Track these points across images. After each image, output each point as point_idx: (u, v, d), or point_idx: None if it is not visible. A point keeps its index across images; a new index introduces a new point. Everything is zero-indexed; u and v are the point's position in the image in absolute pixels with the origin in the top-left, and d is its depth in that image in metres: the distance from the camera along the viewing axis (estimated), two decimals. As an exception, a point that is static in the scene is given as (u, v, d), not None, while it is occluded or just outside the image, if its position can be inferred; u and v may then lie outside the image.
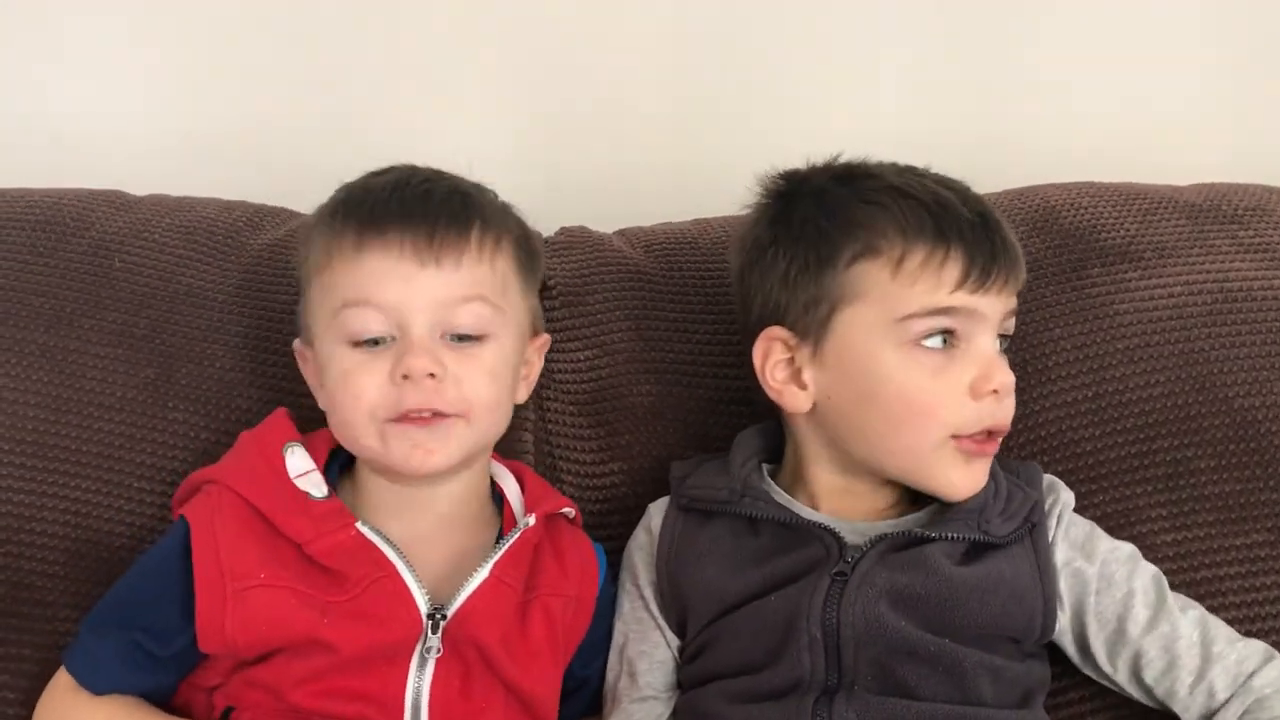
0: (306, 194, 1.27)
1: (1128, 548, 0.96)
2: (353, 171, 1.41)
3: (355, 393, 0.92)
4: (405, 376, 0.91)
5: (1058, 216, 1.18)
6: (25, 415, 1.05)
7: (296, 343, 1.00)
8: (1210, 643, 0.91)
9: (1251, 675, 0.89)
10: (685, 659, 0.98)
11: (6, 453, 1.03)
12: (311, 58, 1.42)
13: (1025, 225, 1.16)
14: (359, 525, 0.92)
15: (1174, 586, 0.97)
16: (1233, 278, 1.12)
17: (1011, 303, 0.96)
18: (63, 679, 0.92)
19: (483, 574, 0.94)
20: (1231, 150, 1.40)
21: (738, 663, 0.92)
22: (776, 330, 0.98)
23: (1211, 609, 0.98)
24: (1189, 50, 1.45)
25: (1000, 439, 0.96)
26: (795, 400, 0.97)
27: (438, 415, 0.92)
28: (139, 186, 1.24)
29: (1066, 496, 0.98)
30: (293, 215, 1.24)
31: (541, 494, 1.02)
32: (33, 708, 0.94)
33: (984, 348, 0.94)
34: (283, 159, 1.41)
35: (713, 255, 1.19)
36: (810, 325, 0.96)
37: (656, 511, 1.03)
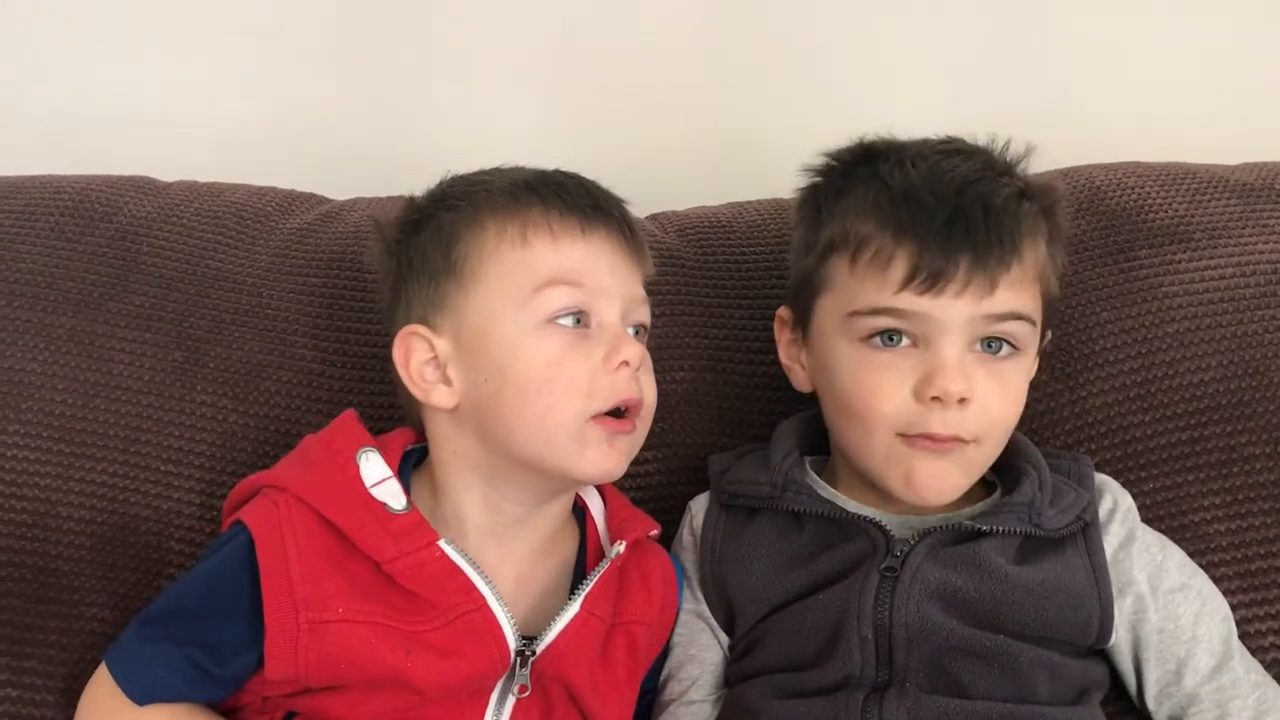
0: (337, 181, 1.28)
1: (1201, 584, 0.93)
2: (385, 159, 1.44)
3: (570, 377, 0.88)
4: (624, 364, 0.88)
5: (1103, 197, 1.15)
6: (53, 400, 1.04)
7: (416, 327, 0.91)
8: (1265, 713, 0.88)
9: None
10: (734, 656, 0.96)
11: (34, 438, 1.02)
12: (342, 45, 1.42)
13: (1071, 206, 1.13)
14: (442, 544, 0.87)
15: (1228, 578, 0.95)
16: (1287, 258, 1.09)
17: (992, 307, 0.88)
18: (105, 683, 0.86)
19: (574, 608, 0.90)
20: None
21: (786, 659, 0.90)
22: (784, 310, 0.99)
23: (1266, 600, 0.97)
24: (1237, 32, 1.42)
25: (976, 450, 0.90)
26: (799, 379, 0.99)
27: (627, 415, 0.90)
28: (167, 174, 1.24)
29: (1126, 502, 0.95)
30: (323, 200, 1.23)
31: (626, 515, 0.99)
32: (60, 693, 0.93)
33: (939, 352, 0.88)
34: (313, 146, 1.41)
35: (747, 239, 1.17)
36: (801, 310, 0.96)
37: (698, 509, 1.01)
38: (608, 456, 0.89)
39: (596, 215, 0.92)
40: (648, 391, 0.92)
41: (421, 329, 0.92)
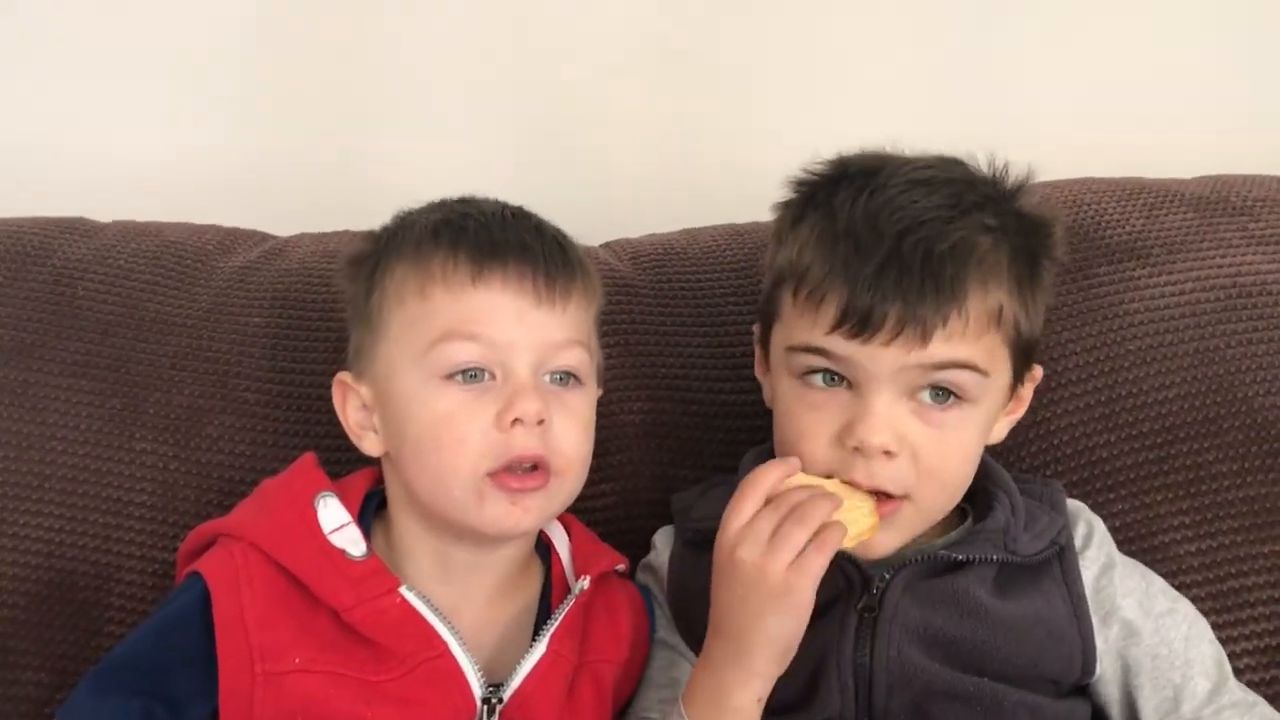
0: (284, 217, 1.25)
1: (1186, 607, 0.91)
2: (335, 192, 1.42)
3: (459, 437, 0.84)
4: (516, 421, 0.84)
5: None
6: (-15, 453, 1.00)
7: (343, 375, 0.91)
8: None
9: None
10: None
11: (-35, 493, 0.99)
12: (286, 78, 1.38)
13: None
14: (403, 591, 0.85)
15: (1200, 599, 0.94)
16: (1245, 271, 1.08)
17: (926, 358, 0.83)
18: None
19: (539, 649, 0.87)
20: (1230, 147, 1.36)
21: (771, 699, 0.85)
22: (756, 329, 0.97)
23: (1238, 620, 0.96)
24: (1189, 46, 1.42)
25: (910, 506, 0.86)
26: (768, 396, 0.96)
27: (538, 470, 0.86)
28: (104, 215, 1.20)
29: (1101, 528, 0.93)
30: (266, 238, 1.20)
31: (591, 550, 0.96)
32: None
33: (869, 400, 0.84)
34: (257, 182, 1.37)
35: (702, 265, 1.15)
36: (763, 331, 0.94)
37: (663, 545, 0.98)
38: (509, 514, 0.86)
39: (492, 262, 0.87)
40: (565, 443, 0.87)
41: (347, 377, 0.91)
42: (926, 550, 0.89)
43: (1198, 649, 0.88)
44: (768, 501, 0.82)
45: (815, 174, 0.93)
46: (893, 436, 0.84)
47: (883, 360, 0.84)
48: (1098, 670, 0.88)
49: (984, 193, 0.89)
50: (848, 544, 0.81)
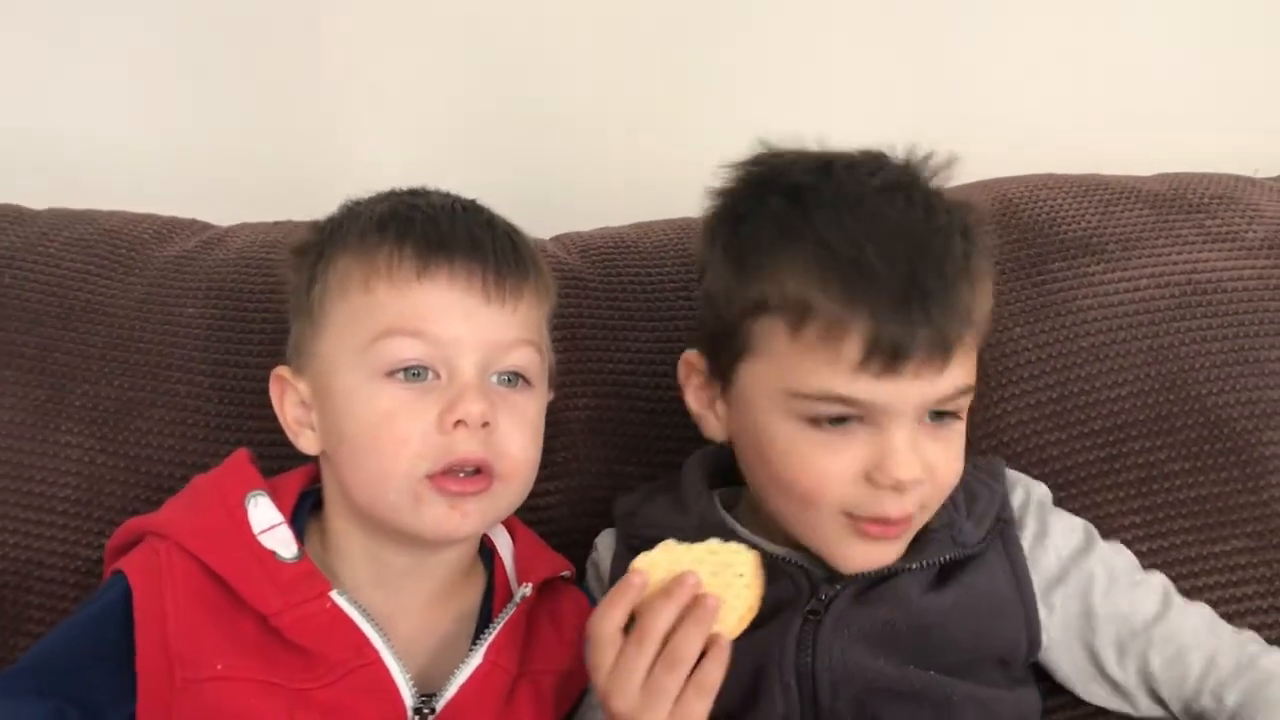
0: (226, 205, 1.22)
1: (1128, 553, 0.92)
2: (280, 181, 1.39)
3: (400, 437, 0.81)
4: (459, 423, 0.82)
5: (1016, 210, 1.13)
6: (-99, 445, 0.97)
7: (281, 370, 0.89)
8: (1219, 631, 0.88)
9: (1257, 656, 0.86)
10: None
11: (-120, 486, 0.96)
12: (230, 66, 1.35)
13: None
14: (334, 595, 0.82)
15: (1150, 598, 0.92)
16: (1201, 268, 1.07)
17: (945, 386, 0.81)
18: None
19: (475, 659, 0.84)
20: (1192, 146, 1.35)
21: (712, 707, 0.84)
22: (693, 356, 0.91)
23: None
24: (1150, 43, 1.41)
25: (921, 516, 0.85)
26: (713, 429, 0.90)
27: (480, 473, 0.83)
28: (40, 204, 1.17)
29: (1040, 492, 0.92)
30: (205, 227, 1.17)
31: (535, 555, 0.93)
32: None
33: (891, 436, 0.81)
34: (200, 171, 1.35)
35: (654, 259, 1.13)
36: (719, 364, 0.87)
37: (605, 551, 0.96)
38: (447, 518, 0.83)
39: (439, 256, 0.84)
40: (511, 446, 0.85)
41: (285, 371, 0.88)
42: None
43: (1145, 578, 0.89)
44: (634, 619, 0.76)
45: (754, 183, 0.88)
46: (921, 467, 0.81)
47: (907, 396, 0.80)
48: (1045, 639, 0.87)
49: (924, 189, 0.86)
50: (733, 633, 0.76)
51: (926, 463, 0.82)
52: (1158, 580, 0.90)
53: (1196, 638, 0.87)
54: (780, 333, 0.82)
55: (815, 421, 0.82)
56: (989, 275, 0.86)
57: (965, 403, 0.85)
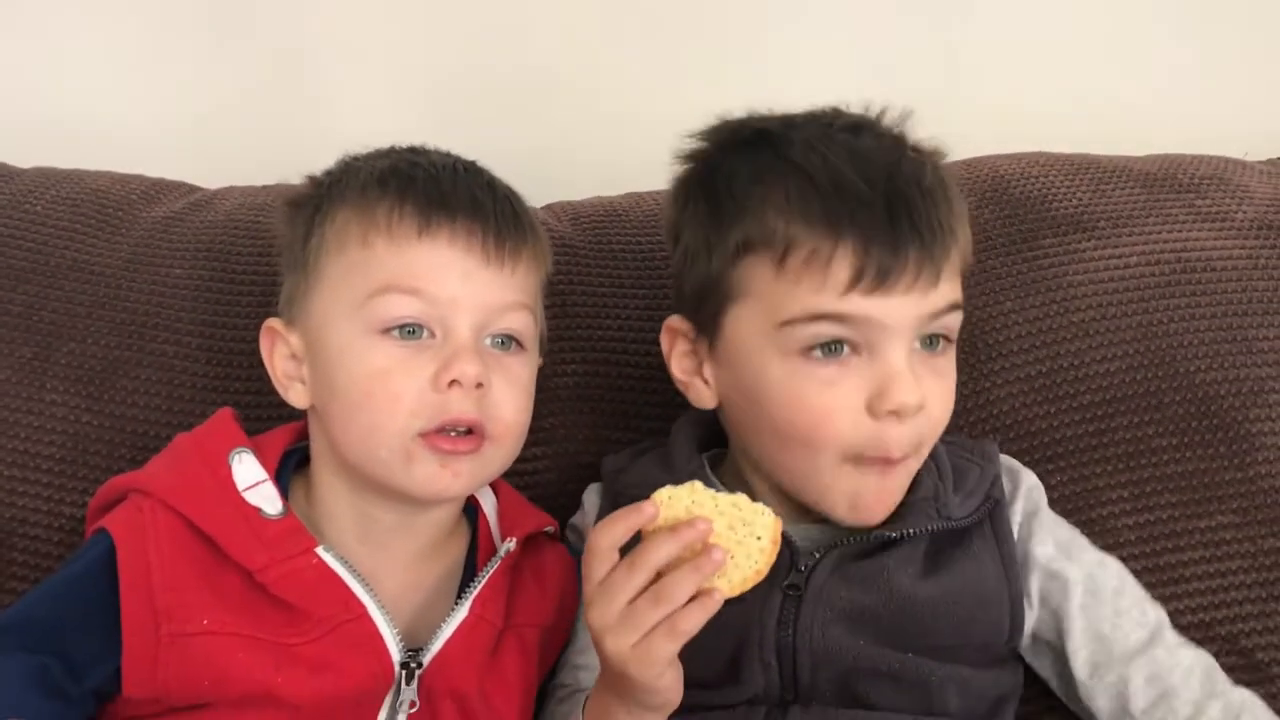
0: (211, 173, 1.21)
1: (1115, 563, 0.90)
2: (268, 147, 1.37)
3: (393, 394, 0.81)
4: (454, 382, 0.81)
5: (1008, 186, 1.13)
6: (-115, 401, 0.96)
7: (273, 322, 0.88)
8: (1214, 681, 0.84)
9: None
10: None
11: None
12: (218, 29, 1.34)
13: (975, 196, 1.11)
14: (320, 551, 0.82)
15: (1137, 573, 0.92)
16: (1190, 247, 1.07)
17: (938, 300, 0.81)
18: None
19: (461, 612, 0.84)
20: (1183, 128, 1.35)
21: (688, 676, 0.82)
22: (676, 321, 0.90)
23: (1175, 595, 0.95)
24: (1145, 26, 1.41)
25: (915, 459, 0.84)
26: (701, 395, 0.90)
27: (472, 434, 0.83)
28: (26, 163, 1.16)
29: (1032, 481, 0.91)
30: (193, 189, 1.17)
31: (518, 512, 0.93)
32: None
33: (889, 359, 0.81)
34: (188, 133, 1.34)
35: (644, 227, 1.13)
36: (704, 320, 0.87)
37: (590, 507, 0.96)
38: (438, 477, 0.83)
39: (440, 215, 0.84)
40: (504, 409, 0.85)
41: (278, 324, 0.88)
42: (859, 529, 0.86)
43: (1130, 596, 0.87)
44: (639, 538, 0.75)
45: (720, 140, 0.88)
46: (922, 392, 0.81)
47: (903, 312, 0.80)
48: (1028, 629, 0.87)
49: (888, 129, 0.87)
50: (733, 592, 0.74)
51: (924, 392, 0.82)
52: (1145, 600, 0.88)
53: (1186, 683, 0.84)
54: (766, 269, 0.82)
55: (809, 354, 0.81)
56: (964, 203, 0.87)
57: (956, 322, 0.84)
